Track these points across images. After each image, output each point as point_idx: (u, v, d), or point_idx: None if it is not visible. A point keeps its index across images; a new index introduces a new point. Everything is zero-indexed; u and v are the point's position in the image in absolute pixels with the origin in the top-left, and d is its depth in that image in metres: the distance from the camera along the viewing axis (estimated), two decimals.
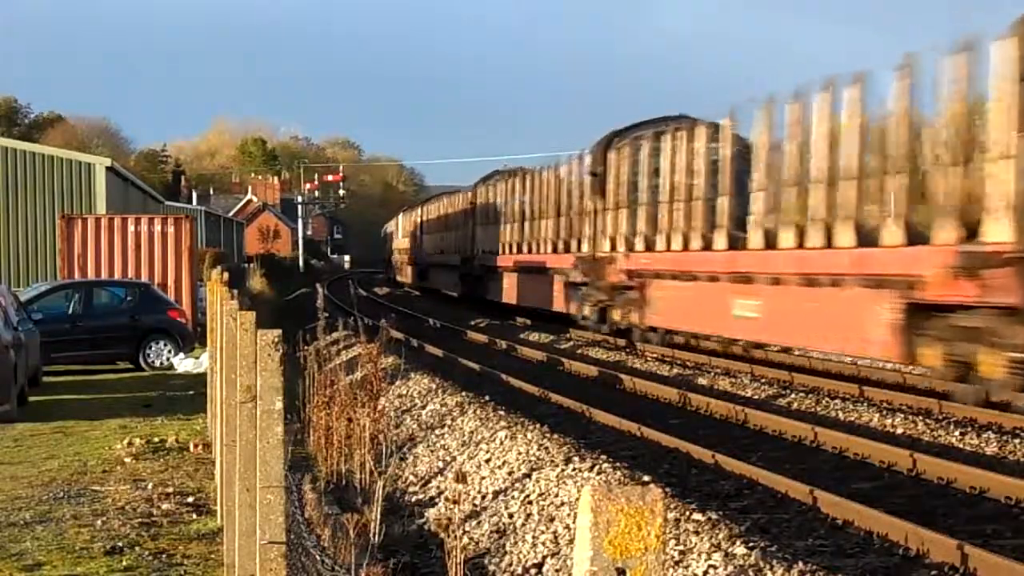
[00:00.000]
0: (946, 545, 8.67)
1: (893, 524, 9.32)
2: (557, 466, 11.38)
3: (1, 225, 36.24)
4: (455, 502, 9.29)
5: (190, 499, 11.20)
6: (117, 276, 29.63)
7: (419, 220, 61.05)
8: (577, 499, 5.78)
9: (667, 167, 24.65)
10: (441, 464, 13.27)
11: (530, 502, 10.73)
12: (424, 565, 9.51)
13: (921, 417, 15.07)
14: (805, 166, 19.29)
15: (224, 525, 8.70)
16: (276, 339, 5.45)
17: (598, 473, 11.02)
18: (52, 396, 20.53)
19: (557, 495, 10.62)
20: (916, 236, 16.07)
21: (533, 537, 9.82)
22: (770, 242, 20.03)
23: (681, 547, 8.70)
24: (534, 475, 11.37)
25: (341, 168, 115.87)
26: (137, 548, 9.29)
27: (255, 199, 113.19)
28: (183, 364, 25.13)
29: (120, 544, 9.38)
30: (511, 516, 10.56)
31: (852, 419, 15.53)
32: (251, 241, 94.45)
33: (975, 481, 11.09)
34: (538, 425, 13.79)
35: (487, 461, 12.53)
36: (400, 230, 70.80)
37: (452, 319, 37.71)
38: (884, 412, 15.53)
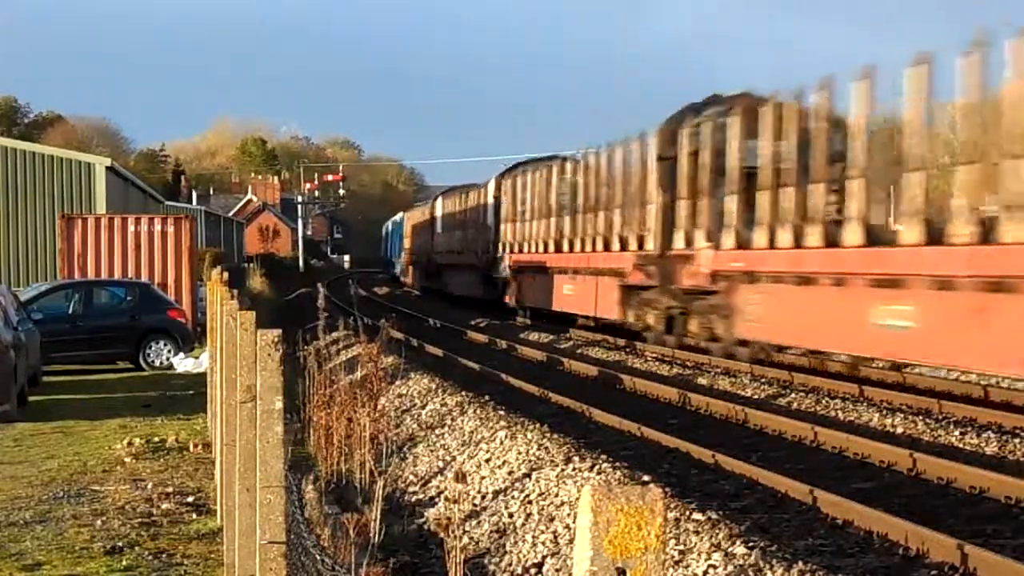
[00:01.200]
0: (946, 545, 8.67)
1: (893, 524, 9.32)
2: (557, 466, 11.37)
3: (1, 225, 36.24)
4: (455, 502, 9.29)
5: (190, 499, 11.20)
6: (117, 276, 29.63)
7: (491, 200, 40.18)
8: (577, 499, 5.78)
9: None
10: (441, 464, 13.26)
11: (530, 502, 10.73)
12: (424, 565, 9.51)
13: (921, 417, 15.07)
14: None
15: (224, 525, 8.70)
16: (276, 339, 5.44)
17: (598, 473, 11.01)
18: (52, 396, 20.53)
19: (557, 495, 10.62)
20: None
21: (533, 537, 9.82)
22: None
23: (681, 547, 8.70)
24: (534, 475, 11.37)
25: (341, 168, 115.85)
26: (137, 548, 9.29)
27: (255, 199, 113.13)
28: (183, 364, 25.12)
29: (120, 544, 9.38)
30: (511, 516, 10.56)
31: (852, 419, 15.52)
32: (251, 241, 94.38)
33: (975, 481, 11.09)
34: (538, 425, 13.78)
35: (487, 461, 12.52)
36: (440, 220, 51.88)
37: (452, 319, 37.72)
38: (884, 412, 15.52)
